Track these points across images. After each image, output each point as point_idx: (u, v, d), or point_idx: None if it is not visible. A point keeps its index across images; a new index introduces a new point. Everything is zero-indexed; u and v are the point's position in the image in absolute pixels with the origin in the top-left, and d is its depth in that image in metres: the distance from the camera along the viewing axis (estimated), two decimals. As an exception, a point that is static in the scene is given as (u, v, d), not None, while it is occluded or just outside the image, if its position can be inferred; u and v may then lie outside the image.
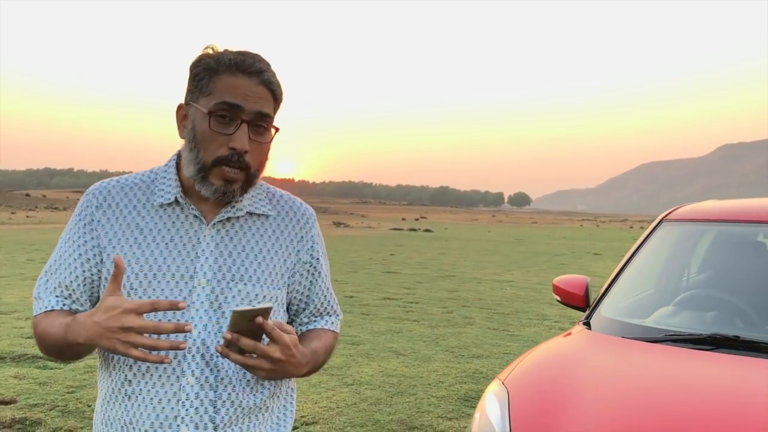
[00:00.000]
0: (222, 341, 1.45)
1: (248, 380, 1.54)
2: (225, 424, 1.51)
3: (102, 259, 1.53)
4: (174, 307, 1.35)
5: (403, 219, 72.82)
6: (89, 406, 5.14)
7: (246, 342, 1.36)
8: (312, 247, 1.66)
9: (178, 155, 1.59)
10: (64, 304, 1.53)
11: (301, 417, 4.99)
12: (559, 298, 3.24)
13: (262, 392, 1.57)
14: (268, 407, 1.61)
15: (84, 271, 1.54)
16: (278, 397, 1.64)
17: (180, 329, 1.34)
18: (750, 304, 2.87)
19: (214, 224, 1.56)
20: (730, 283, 3.10)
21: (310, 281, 1.66)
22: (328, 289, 1.72)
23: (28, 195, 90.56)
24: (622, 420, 2.06)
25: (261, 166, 1.53)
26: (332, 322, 1.73)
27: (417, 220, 72.20)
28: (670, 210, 3.45)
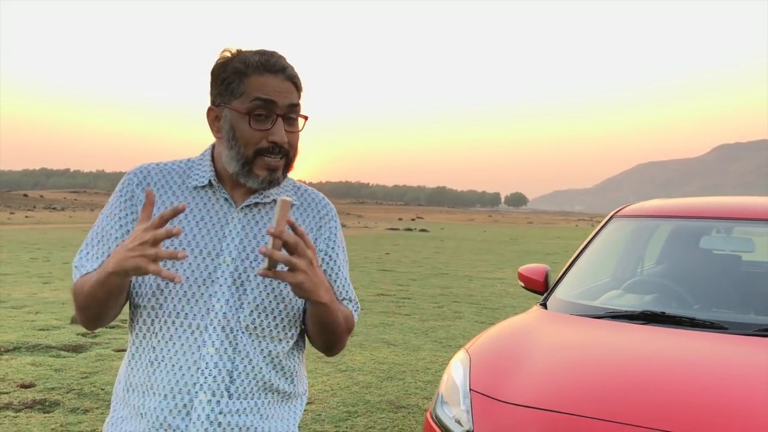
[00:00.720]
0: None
1: (265, 356, 1.62)
2: (240, 394, 1.59)
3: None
4: (177, 211, 1.42)
5: (400, 219, 73.20)
6: (103, 389, 5.56)
7: (279, 255, 1.42)
8: (329, 237, 1.73)
9: (213, 146, 1.72)
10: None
11: (298, 398, 5.45)
12: (523, 284, 3.70)
13: (278, 371, 1.65)
14: (286, 392, 1.68)
15: (119, 238, 1.64)
16: (295, 383, 1.71)
17: (173, 256, 1.42)
18: (686, 287, 3.35)
19: (242, 208, 1.66)
20: (670, 270, 3.57)
21: (324, 270, 1.70)
22: (345, 279, 1.76)
23: (26, 195, 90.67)
24: (560, 375, 2.54)
25: (295, 152, 1.64)
26: (347, 304, 1.75)
27: (413, 220, 72.62)
28: (620, 207, 3.93)
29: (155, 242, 1.40)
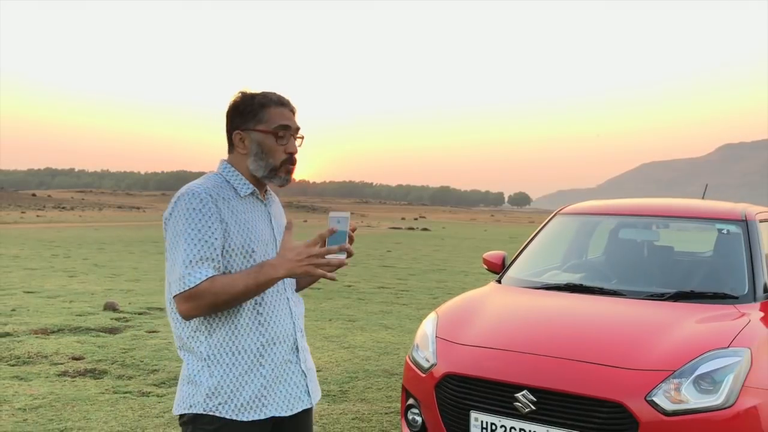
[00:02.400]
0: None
1: (299, 302, 2.37)
2: (302, 330, 2.33)
3: (226, 235, 2.15)
4: (332, 231, 2.08)
5: (403, 218, 74.10)
6: (142, 361, 6.55)
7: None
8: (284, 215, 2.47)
9: (227, 163, 2.28)
10: (217, 271, 2.10)
11: (308, 367, 6.47)
12: (486, 267, 4.70)
13: (303, 310, 2.39)
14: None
15: (221, 244, 2.12)
16: None
17: (341, 264, 2.07)
18: (610, 267, 4.37)
19: (267, 204, 2.35)
20: (602, 256, 4.59)
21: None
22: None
23: (34, 195, 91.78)
24: (498, 325, 3.56)
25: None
26: None
27: (416, 219, 73.47)
28: (562, 207, 4.95)
29: (322, 255, 2.03)
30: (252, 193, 2.28)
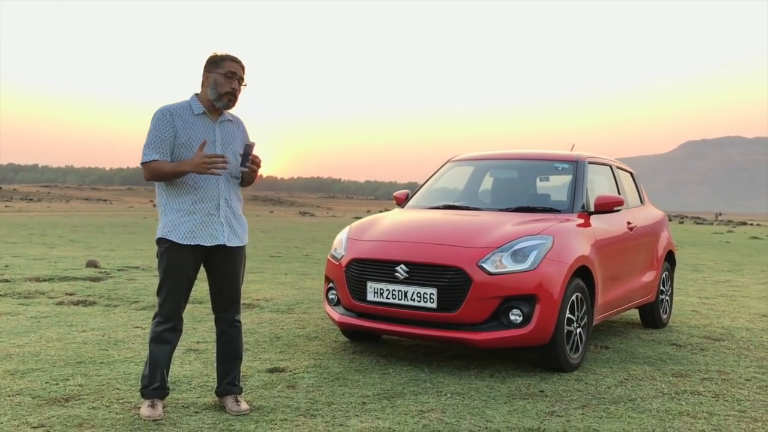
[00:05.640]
0: (237, 165, 3.59)
1: (236, 186, 3.70)
2: (232, 200, 3.63)
3: (175, 136, 3.53)
4: (203, 145, 3.46)
5: (368, 211, 75.47)
6: (125, 295, 7.89)
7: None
8: (246, 137, 3.78)
9: (196, 94, 3.63)
10: (162, 157, 3.50)
11: (263, 298, 7.90)
12: (395, 202, 6.22)
13: (238, 191, 3.72)
14: (241, 198, 3.75)
15: (169, 141, 3.52)
16: (241, 198, 3.76)
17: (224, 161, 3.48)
18: (483, 196, 5.92)
19: (217, 123, 3.67)
20: (475, 188, 6.14)
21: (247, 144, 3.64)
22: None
23: (0, 188, 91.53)
24: (390, 227, 5.08)
25: (237, 95, 3.63)
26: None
27: (381, 212, 74.92)
28: (453, 156, 6.47)
29: (207, 160, 3.46)
30: (203, 113, 3.65)
